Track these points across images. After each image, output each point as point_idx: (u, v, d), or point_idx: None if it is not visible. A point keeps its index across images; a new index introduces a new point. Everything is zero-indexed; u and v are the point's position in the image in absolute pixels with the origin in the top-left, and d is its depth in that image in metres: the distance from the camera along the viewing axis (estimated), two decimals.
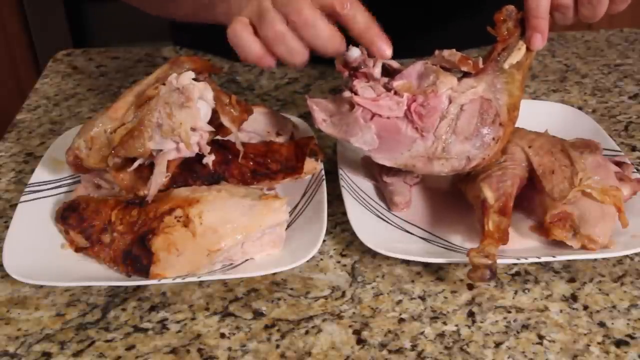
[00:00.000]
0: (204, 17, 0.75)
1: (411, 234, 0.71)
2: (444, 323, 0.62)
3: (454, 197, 0.75)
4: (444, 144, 0.68)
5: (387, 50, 0.65)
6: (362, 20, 0.65)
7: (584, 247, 0.66)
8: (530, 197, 0.71)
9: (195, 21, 0.80)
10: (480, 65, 0.70)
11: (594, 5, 0.69)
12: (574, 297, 0.64)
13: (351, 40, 0.68)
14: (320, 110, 0.70)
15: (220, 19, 0.71)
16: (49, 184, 0.76)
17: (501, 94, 0.69)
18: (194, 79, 0.69)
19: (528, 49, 0.71)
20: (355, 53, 0.69)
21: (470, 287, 0.66)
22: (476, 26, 0.77)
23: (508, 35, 0.71)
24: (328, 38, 0.64)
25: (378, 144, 0.69)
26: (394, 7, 1.03)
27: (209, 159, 0.71)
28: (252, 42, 0.65)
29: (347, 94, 0.68)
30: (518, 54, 0.71)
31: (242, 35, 0.65)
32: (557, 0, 0.69)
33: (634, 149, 0.87)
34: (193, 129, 0.68)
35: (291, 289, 0.66)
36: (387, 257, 0.68)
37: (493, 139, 0.68)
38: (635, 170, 0.74)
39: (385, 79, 0.70)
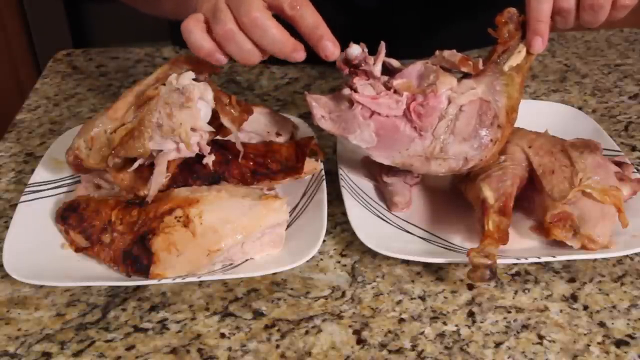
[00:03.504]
0: (183, 15, 0.76)
1: (411, 234, 0.71)
2: (444, 323, 0.62)
3: (454, 197, 0.75)
4: (442, 144, 0.68)
5: (334, 50, 0.65)
6: (310, 20, 0.64)
7: (584, 247, 0.66)
8: (530, 197, 0.71)
9: (177, 19, 0.81)
10: (480, 66, 0.70)
11: (595, 10, 0.69)
12: (574, 297, 0.65)
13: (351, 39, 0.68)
14: (319, 107, 0.70)
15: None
16: (49, 184, 0.76)
17: (500, 96, 0.70)
18: (194, 79, 0.69)
19: (528, 52, 0.72)
20: (355, 51, 0.69)
21: (470, 287, 0.66)
22: (477, 27, 0.77)
23: (509, 37, 0.71)
24: (276, 40, 0.64)
25: (376, 142, 0.69)
26: (397, 8, 1.03)
27: (209, 159, 0.71)
28: (203, 39, 0.65)
29: (346, 91, 0.68)
30: (518, 57, 0.71)
31: (194, 30, 0.65)
32: (558, 5, 0.69)
33: (634, 149, 0.87)
34: (193, 129, 0.68)
35: (291, 289, 0.66)
36: (387, 257, 0.68)
37: (491, 140, 0.68)
38: (635, 170, 0.74)
39: (385, 78, 0.70)
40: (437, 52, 0.71)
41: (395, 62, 0.72)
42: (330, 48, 0.65)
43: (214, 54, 0.66)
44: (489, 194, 0.68)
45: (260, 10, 0.64)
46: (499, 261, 0.63)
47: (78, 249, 0.68)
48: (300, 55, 0.64)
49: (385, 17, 1.04)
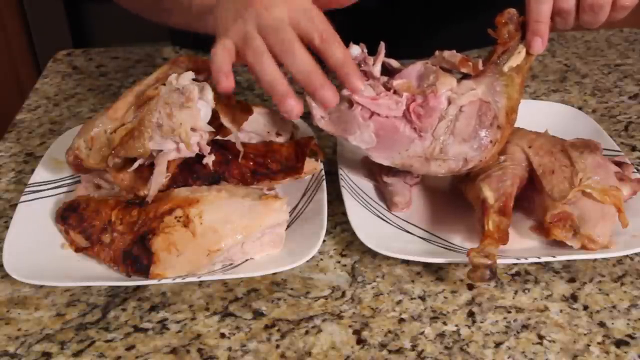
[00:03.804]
0: (196, 28, 0.76)
1: (411, 234, 0.71)
2: (444, 323, 0.62)
3: (454, 197, 0.75)
4: (442, 144, 0.68)
5: (360, 86, 0.65)
6: (338, 54, 0.65)
7: (584, 247, 0.66)
8: (530, 197, 0.71)
9: (188, 30, 0.81)
10: (480, 67, 0.70)
11: (595, 11, 0.69)
12: (574, 297, 0.65)
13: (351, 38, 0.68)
14: (319, 107, 0.70)
15: (211, 31, 0.72)
16: (49, 184, 0.76)
17: (500, 97, 0.70)
18: (194, 79, 0.69)
19: (528, 53, 0.72)
20: (355, 51, 0.69)
21: (470, 287, 0.66)
22: (477, 28, 0.77)
23: (509, 38, 0.71)
24: (306, 69, 0.64)
25: (376, 142, 0.69)
26: (397, 8, 1.03)
27: (209, 159, 0.71)
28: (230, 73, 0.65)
29: (346, 91, 0.68)
30: (518, 58, 0.71)
31: (223, 61, 0.65)
32: (558, 5, 0.69)
33: (634, 149, 0.87)
34: (193, 129, 0.68)
35: (291, 289, 0.66)
36: (387, 257, 0.68)
37: (491, 141, 0.68)
38: (635, 170, 0.74)
39: (385, 78, 0.70)
40: (436, 53, 0.71)
41: (394, 63, 0.72)
42: (357, 85, 0.65)
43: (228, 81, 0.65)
44: (489, 194, 0.68)
45: (295, 39, 0.64)
46: (499, 261, 0.63)
47: (78, 249, 0.68)
48: (331, 97, 0.65)
49: (385, 17, 1.04)
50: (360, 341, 0.60)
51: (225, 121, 0.70)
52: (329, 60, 0.65)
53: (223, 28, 0.67)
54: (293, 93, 0.64)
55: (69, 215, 0.69)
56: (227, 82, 0.64)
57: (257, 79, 0.65)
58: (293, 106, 0.64)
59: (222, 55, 0.65)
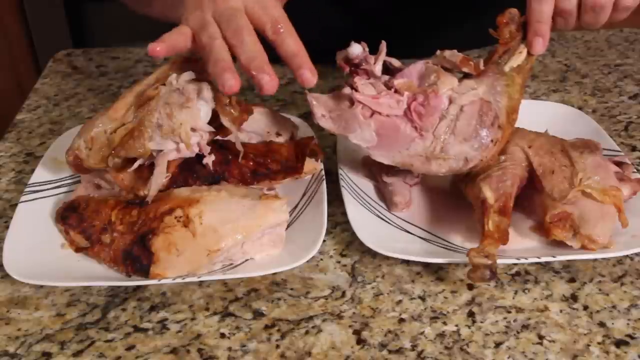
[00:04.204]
0: (172, 18, 0.77)
1: (411, 234, 0.71)
2: (444, 323, 0.62)
3: (454, 197, 0.75)
4: (443, 144, 0.68)
5: (311, 78, 0.65)
6: (291, 45, 0.66)
7: (584, 247, 0.66)
8: (530, 197, 0.71)
9: (165, 21, 0.82)
10: (481, 67, 0.70)
11: (596, 12, 0.69)
12: (574, 297, 0.64)
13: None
14: (320, 105, 0.70)
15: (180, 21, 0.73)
16: (49, 184, 0.76)
17: (501, 97, 0.70)
18: (194, 79, 0.69)
19: (529, 53, 0.72)
20: (356, 50, 0.69)
21: (470, 287, 0.66)
22: (478, 27, 0.77)
23: (510, 38, 0.71)
24: (251, 51, 0.65)
25: (377, 141, 0.69)
26: (397, 8, 1.03)
27: (209, 159, 0.71)
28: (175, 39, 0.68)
29: (347, 90, 0.68)
30: (519, 58, 0.71)
31: (177, 38, 0.68)
32: (559, 6, 0.69)
33: (634, 149, 0.87)
34: (193, 130, 0.68)
35: (291, 289, 0.66)
36: (387, 257, 0.68)
37: (491, 141, 0.68)
38: (635, 170, 0.75)
39: (386, 77, 0.70)
40: (438, 52, 0.71)
41: (396, 62, 0.72)
42: (308, 77, 0.65)
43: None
44: (489, 194, 0.68)
45: (247, 26, 0.65)
46: (499, 261, 0.63)
47: (78, 249, 0.68)
48: (268, 83, 0.65)
49: (386, 16, 1.04)
50: (360, 341, 0.60)
51: (225, 121, 0.70)
52: (280, 50, 0.66)
53: (184, 17, 0.69)
54: (234, 69, 0.65)
55: (69, 215, 0.69)
56: (162, 50, 0.66)
57: (205, 61, 0.67)
58: (228, 78, 0.64)
59: (177, 35, 0.68)
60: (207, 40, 0.66)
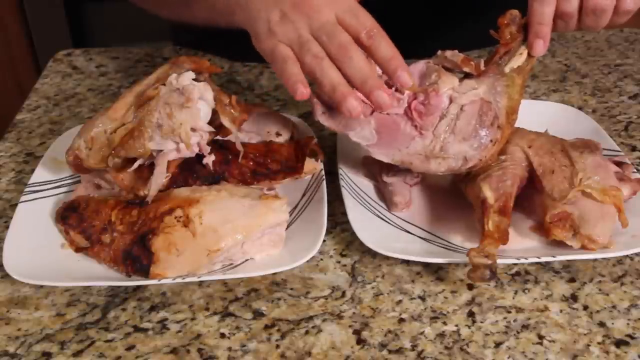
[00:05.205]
0: (221, 23, 0.76)
1: (411, 234, 0.71)
2: (444, 323, 0.62)
3: (454, 197, 0.75)
4: (442, 143, 0.68)
5: (408, 80, 0.65)
6: (387, 49, 0.66)
7: (584, 247, 0.66)
8: (530, 197, 0.71)
9: (212, 25, 0.80)
10: (482, 67, 0.71)
11: (597, 15, 0.69)
12: (574, 297, 0.65)
13: None
14: (321, 103, 0.70)
15: (239, 25, 0.71)
16: (49, 184, 0.76)
17: (501, 97, 0.70)
18: (194, 79, 0.69)
19: (529, 55, 0.72)
20: None
21: (470, 287, 0.66)
22: (479, 28, 0.77)
23: (511, 39, 0.71)
24: (365, 75, 0.65)
25: (377, 139, 0.69)
26: (401, 9, 1.03)
27: (209, 159, 0.71)
28: (299, 73, 0.66)
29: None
30: (519, 59, 0.71)
31: (297, 71, 0.66)
32: (561, 8, 0.69)
33: (634, 149, 0.87)
34: (193, 130, 0.68)
35: (291, 289, 0.66)
36: (387, 257, 0.68)
37: (491, 141, 0.68)
38: (635, 170, 0.75)
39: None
40: (439, 52, 0.72)
41: None
42: (405, 79, 0.65)
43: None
44: (489, 194, 0.68)
45: (350, 41, 0.65)
46: (499, 261, 0.63)
47: (78, 249, 0.68)
48: (387, 101, 0.65)
49: (387, 16, 1.04)
50: (360, 341, 0.60)
51: (225, 121, 0.70)
52: (376, 56, 0.66)
53: (265, 28, 0.67)
54: (355, 92, 0.65)
55: (69, 215, 0.69)
56: (307, 90, 0.65)
57: (317, 83, 0.66)
58: (355, 106, 0.64)
59: (292, 65, 0.65)
60: (313, 61, 0.65)
